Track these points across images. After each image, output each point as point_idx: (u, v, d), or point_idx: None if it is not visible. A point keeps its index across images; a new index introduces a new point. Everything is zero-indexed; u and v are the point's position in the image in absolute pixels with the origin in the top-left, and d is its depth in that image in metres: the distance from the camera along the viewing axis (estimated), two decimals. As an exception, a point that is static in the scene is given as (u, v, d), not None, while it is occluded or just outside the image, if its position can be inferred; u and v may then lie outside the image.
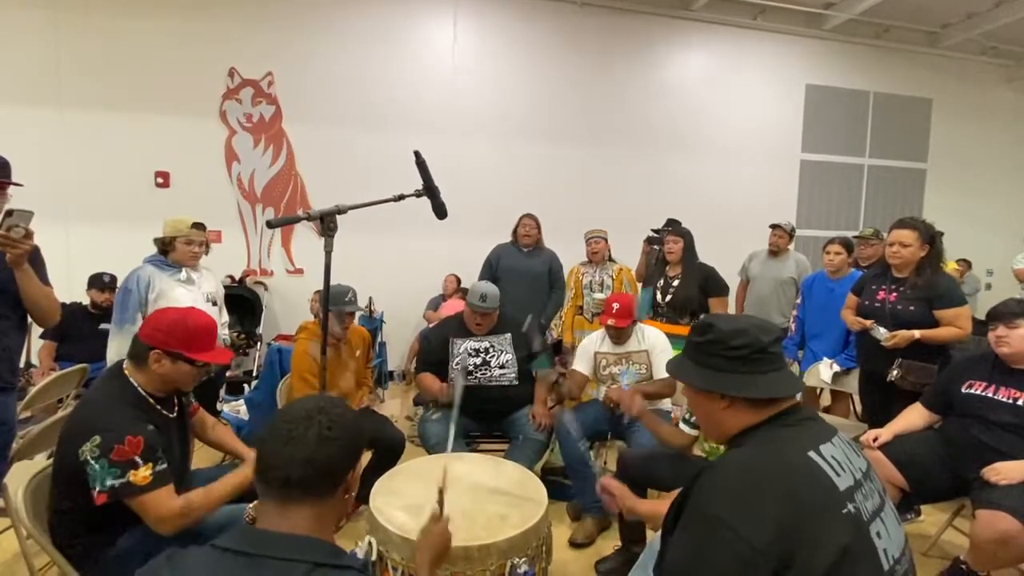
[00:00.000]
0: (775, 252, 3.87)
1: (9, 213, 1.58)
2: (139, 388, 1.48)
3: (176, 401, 1.61)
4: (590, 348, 2.71)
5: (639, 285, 3.83)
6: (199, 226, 2.61)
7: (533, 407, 2.60)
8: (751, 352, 1.03)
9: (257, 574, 0.75)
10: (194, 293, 2.51)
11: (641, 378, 2.60)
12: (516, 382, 2.64)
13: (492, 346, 2.66)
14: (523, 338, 2.74)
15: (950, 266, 4.69)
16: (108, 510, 1.33)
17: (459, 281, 4.85)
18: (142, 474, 1.31)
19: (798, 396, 1.09)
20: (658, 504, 1.57)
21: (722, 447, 1.91)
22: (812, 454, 0.93)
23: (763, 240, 4.02)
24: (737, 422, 1.03)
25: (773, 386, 1.02)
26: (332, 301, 2.38)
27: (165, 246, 2.51)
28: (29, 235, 1.60)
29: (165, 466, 1.37)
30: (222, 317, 2.76)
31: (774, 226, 3.88)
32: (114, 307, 2.42)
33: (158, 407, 1.51)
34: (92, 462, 1.29)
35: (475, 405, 2.60)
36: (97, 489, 1.29)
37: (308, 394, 2.24)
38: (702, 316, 1.14)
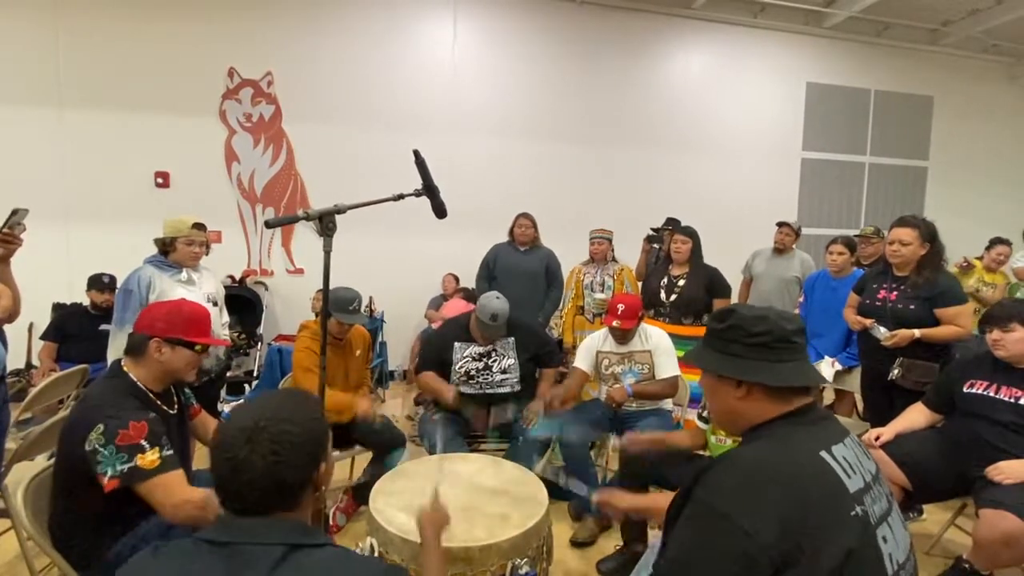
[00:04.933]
0: (780, 250, 3.86)
1: (14, 212, 1.61)
2: (139, 383, 1.49)
3: (176, 399, 1.61)
4: (592, 347, 2.71)
5: (639, 284, 3.83)
6: (199, 226, 2.61)
7: (532, 403, 2.58)
8: (772, 340, 1.00)
9: (233, 561, 0.75)
10: (195, 293, 2.50)
11: (643, 378, 2.60)
12: (518, 387, 2.62)
13: (496, 350, 2.64)
14: (526, 340, 2.73)
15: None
16: (108, 511, 1.33)
17: (458, 280, 4.85)
18: (149, 458, 1.31)
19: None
20: (658, 497, 1.57)
21: (728, 442, 1.93)
22: (824, 454, 0.91)
23: (764, 239, 4.01)
24: (753, 413, 1.01)
25: (792, 375, 1.00)
26: (336, 307, 2.38)
27: (166, 247, 2.50)
28: (23, 230, 1.67)
29: (172, 452, 1.37)
30: (223, 318, 2.75)
31: (781, 224, 3.87)
32: (115, 307, 2.42)
33: (158, 402, 1.51)
34: (101, 449, 1.29)
35: (476, 409, 2.60)
36: (108, 475, 1.29)
37: (313, 385, 2.25)
38: (716, 312, 1.12)
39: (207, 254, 2.64)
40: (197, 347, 1.53)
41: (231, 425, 0.83)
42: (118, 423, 1.31)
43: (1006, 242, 4.32)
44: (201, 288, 2.56)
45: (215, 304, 2.64)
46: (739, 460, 0.96)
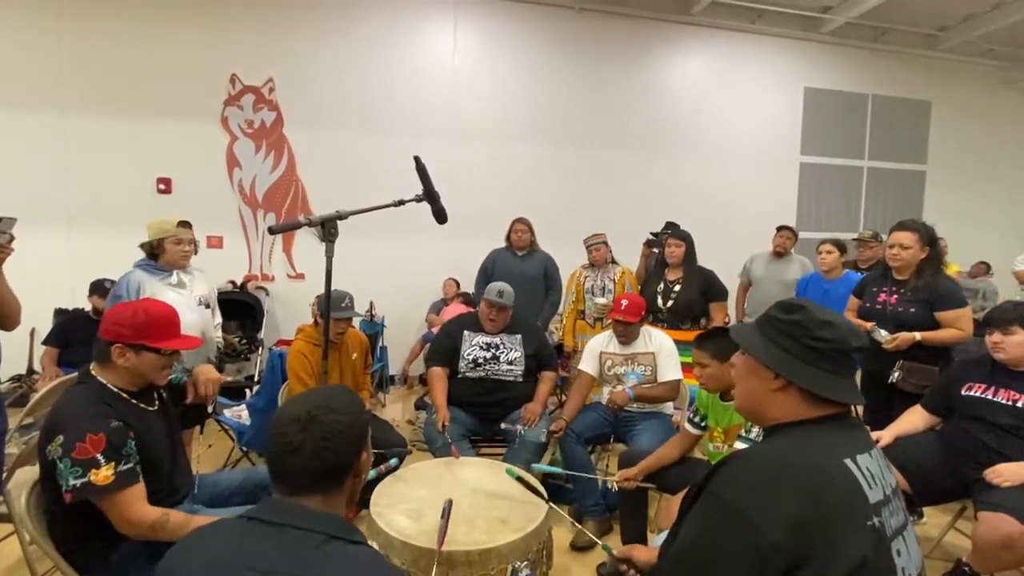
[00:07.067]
0: (781, 254, 3.89)
1: None
2: (109, 385, 1.45)
3: (157, 394, 1.59)
4: (596, 348, 2.73)
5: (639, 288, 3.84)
6: (185, 224, 2.56)
7: (529, 404, 2.63)
8: (832, 349, 0.96)
9: (278, 540, 0.83)
10: (186, 297, 2.45)
11: (645, 380, 2.61)
12: (521, 379, 2.71)
13: (503, 343, 2.75)
14: (530, 338, 2.80)
15: (952, 268, 4.67)
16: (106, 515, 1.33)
17: (458, 285, 4.86)
18: (103, 474, 1.29)
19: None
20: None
21: (725, 448, 1.94)
22: (848, 461, 0.90)
23: (764, 243, 4.03)
24: (782, 410, 0.98)
25: (843, 391, 0.96)
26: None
27: (153, 249, 2.44)
28: (11, 240, 1.66)
29: (130, 466, 1.34)
30: (215, 319, 2.71)
31: (783, 228, 3.91)
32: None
33: (134, 401, 1.48)
34: (58, 462, 1.29)
35: (480, 397, 2.65)
36: (63, 488, 1.29)
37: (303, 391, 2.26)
38: (784, 302, 1.06)
39: (196, 253, 2.60)
40: (163, 351, 1.49)
41: (287, 413, 0.91)
42: (75, 436, 1.29)
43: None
44: (192, 291, 2.52)
45: (207, 307, 2.60)
46: (757, 456, 0.95)
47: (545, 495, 1.64)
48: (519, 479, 1.65)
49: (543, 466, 2.21)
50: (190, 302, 2.47)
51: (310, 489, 0.89)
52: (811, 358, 0.97)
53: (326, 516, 0.87)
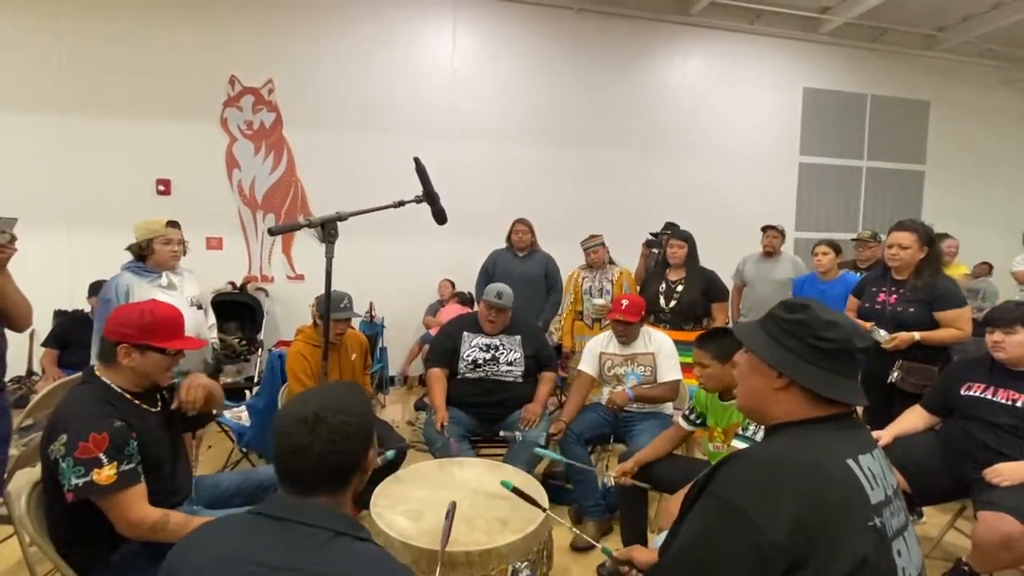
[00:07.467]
0: (770, 253, 3.90)
1: None
2: (113, 386, 1.46)
3: (160, 396, 1.59)
4: (596, 349, 2.74)
5: (638, 288, 3.84)
6: (174, 224, 2.54)
7: (529, 405, 2.63)
8: (837, 349, 0.96)
9: (285, 536, 0.84)
10: (177, 298, 2.41)
11: (645, 380, 2.61)
12: (521, 380, 2.72)
13: (502, 344, 2.75)
14: (530, 339, 2.81)
15: (960, 270, 4.72)
16: (106, 516, 1.33)
17: (453, 286, 4.87)
18: (106, 473, 1.29)
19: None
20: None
21: (725, 448, 1.94)
22: (850, 462, 0.90)
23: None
24: (783, 409, 0.98)
25: (843, 391, 0.96)
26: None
27: (142, 251, 2.41)
28: (12, 239, 1.66)
29: (132, 466, 1.35)
30: (208, 320, 2.69)
31: (768, 227, 3.92)
32: (95, 318, 2.37)
33: (137, 402, 1.48)
34: (60, 461, 1.29)
35: (480, 398, 2.66)
36: (65, 488, 1.29)
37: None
38: (788, 301, 1.05)
39: (185, 254, 2.57)
40: (168, 351, 1.50)
41: (292, 414, 0.91)
42: (78, 435, 1.29)
43: (950, 236, 4.65)
44: (183, 292, 2.50)
45: (199, 307, 2.58)
46: (757, 456, 0.95)
47: (542, 504, 1.62)
48: (514, 490, 1.64)
49: (546, 451, 2.23)
50: (181, 303, 2.42)
51: (317, 489, 0.89)
52: (814, 358, 0.96)
53: (333, 513, 0.88)
